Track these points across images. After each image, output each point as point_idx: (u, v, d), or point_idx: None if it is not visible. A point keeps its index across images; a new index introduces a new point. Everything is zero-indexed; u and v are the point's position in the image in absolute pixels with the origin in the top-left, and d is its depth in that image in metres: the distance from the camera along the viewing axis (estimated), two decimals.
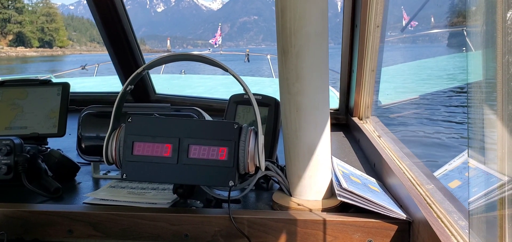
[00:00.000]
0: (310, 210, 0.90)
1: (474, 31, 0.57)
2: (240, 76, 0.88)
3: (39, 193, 1.01)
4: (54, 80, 1.30)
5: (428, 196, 0.86)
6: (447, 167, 1.22)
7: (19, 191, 1.04)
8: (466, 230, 0.69)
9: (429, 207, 0.81)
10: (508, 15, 0.50)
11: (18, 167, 1.00)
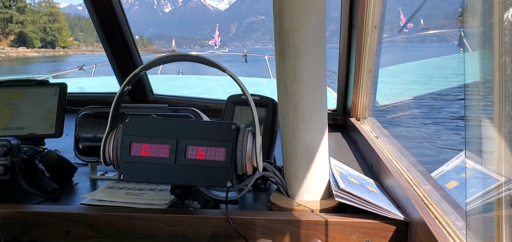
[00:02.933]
0: (311, 211, 0.90)
1: (471, 32, 0.57)
2: (238, 77, 0.88)
3: (36, 194, 1.01)
4: (51, 80, 1.30)
5: (425, 197, 0.87)
6: (444, 168, 1.22)
7: (16, 192, 1.04)
8: (464, 231, 0.69)
9: (426, 207, 0.81)
10: (505, 16, 0.50)
11: (15, 167, 1.00)
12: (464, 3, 0.59)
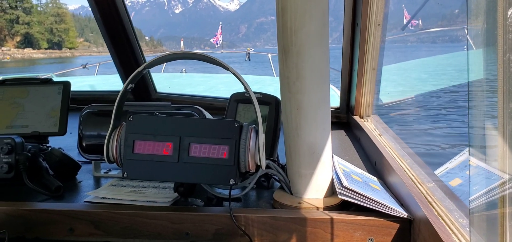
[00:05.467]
0: (317, 208, 0.90)
1: (475, 30, 0.57)
2: (241, 75, 0.88)
3: (40, 192, 1.01)
4: (55, 79, 1.30)
5: (429, 194, 0.86)
6: (448, 165, 1.22)
7: (20, 189, 1.05)
8: (467, 228, 0.69)
9: (430, 205, 0.81)
10: (509, 13, 0.50)
11: (19, 165, 1.00)
12: (467, 0, 0.58)
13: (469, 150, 0.61)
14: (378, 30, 1.52)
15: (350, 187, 0.87)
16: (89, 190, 1.05)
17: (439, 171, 1.21)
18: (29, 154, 1.03)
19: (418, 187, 0.91)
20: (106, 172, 1.19)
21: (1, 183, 1.04)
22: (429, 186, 0.91)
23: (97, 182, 1.13)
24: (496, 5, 0.52)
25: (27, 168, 1.01)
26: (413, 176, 0.98)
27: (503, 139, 0.53)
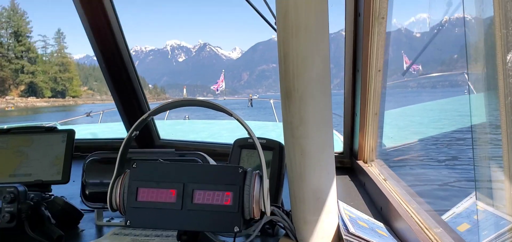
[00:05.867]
0: None
1: (475, 74, 0.57)
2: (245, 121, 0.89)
3: (42, 241, 1.00)
4: (59, 127, 1.31)
5: (437, 240, 0.85)
6: (455, 210, 1.20)
7: (22, 239, 1.03)
8: None
9: None
10: (508, 57, 0.51)
11: (21, 214, 0.99)
12: (466, 46, 0.59)
13: (476, 194, 0.61)
14: (379, 76, 1.54)
15: (357, 234, 0.86)
16: (91, 239, 1.03)
17: (446, 216, 1.20)
18: (32, 203, 1.02)
19: (425, 233, 0.89)
20: (109, 220, 1.17)
21: (3, 232, 1.02)
22: (436, 232, 0.89)
23: (100, 231, 1.11)
24: (495, 51, 0.53)
25: (29, 216, 1.00)
26: (420, 221, 0.97)
27: (510, 183, 0.53)
